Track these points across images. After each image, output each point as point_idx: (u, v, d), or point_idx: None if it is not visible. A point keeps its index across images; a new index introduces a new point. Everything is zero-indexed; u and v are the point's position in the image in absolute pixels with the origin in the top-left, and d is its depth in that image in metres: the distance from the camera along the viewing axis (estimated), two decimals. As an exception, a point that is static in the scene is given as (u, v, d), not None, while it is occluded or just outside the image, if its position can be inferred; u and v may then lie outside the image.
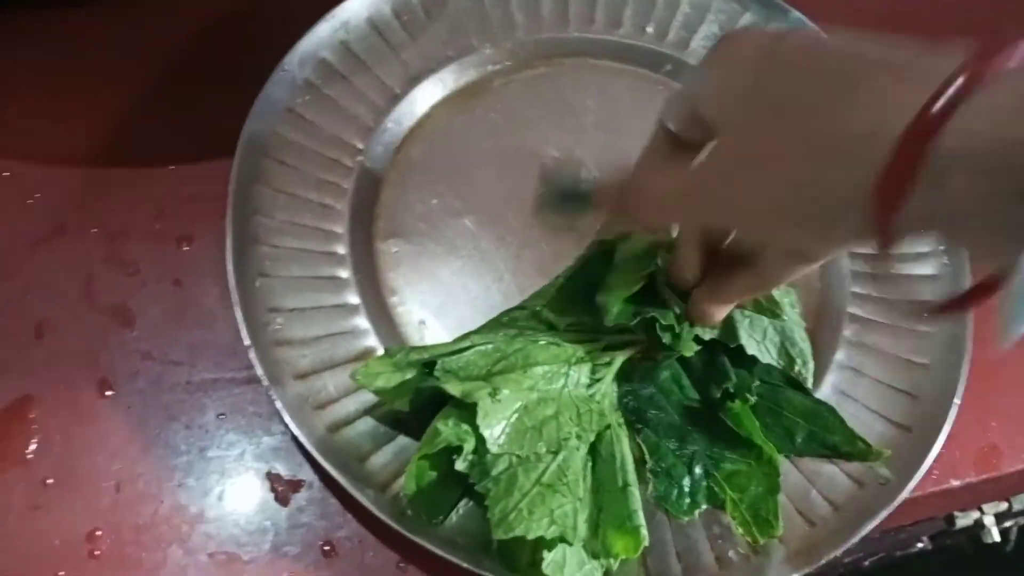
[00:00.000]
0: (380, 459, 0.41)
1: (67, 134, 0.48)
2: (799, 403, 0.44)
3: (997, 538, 0.70)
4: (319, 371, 0.42)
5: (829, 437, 0.43)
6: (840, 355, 0.47)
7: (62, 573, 0.39)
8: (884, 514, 0.42)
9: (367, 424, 0.41)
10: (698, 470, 0.42)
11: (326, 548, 0.41)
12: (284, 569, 0.40)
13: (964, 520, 0.68)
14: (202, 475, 0.42)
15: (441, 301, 0.46)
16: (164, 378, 0.43)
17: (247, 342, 0.41)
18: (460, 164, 0.49)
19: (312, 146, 0.46)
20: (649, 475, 0.42)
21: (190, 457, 0.42)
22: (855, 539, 0.42)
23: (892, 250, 0.27)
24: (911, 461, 0.44)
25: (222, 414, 0.43)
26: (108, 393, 0.43)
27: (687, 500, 0.42)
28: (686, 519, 0.41)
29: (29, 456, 0.41)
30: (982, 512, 0.67)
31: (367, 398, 0.41)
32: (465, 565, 0.38)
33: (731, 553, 0.41)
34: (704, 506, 0.42)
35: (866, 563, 1.06)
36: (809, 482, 0.43)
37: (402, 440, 0.41)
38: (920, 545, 0.98)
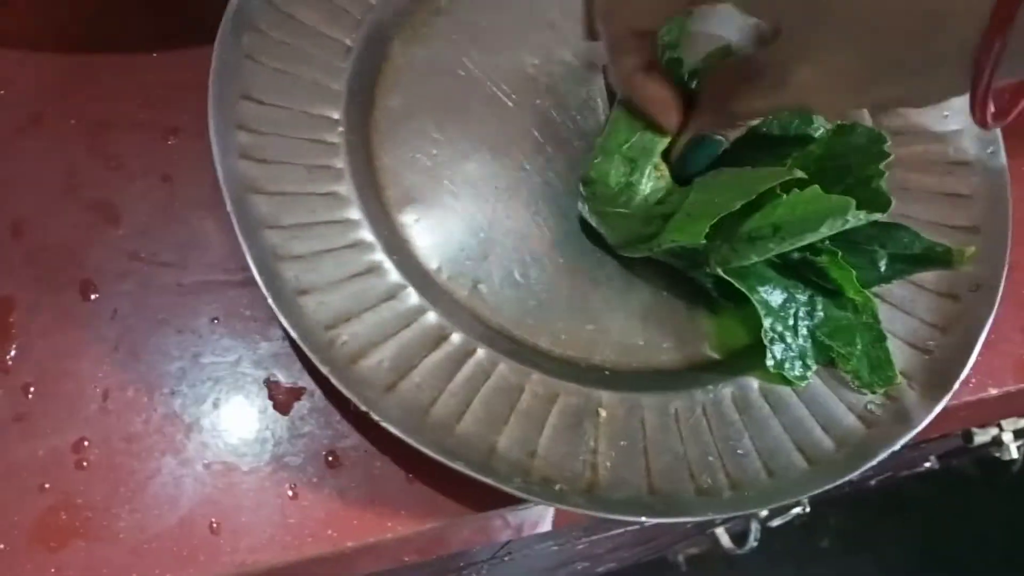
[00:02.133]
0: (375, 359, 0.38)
1: (42, 19, 0.44)
2: (870, 229, 0.41)
3: (1015, 455, 0.69)
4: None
5: (909, 252, 0.41)
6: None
7: (48, 484, 0.37)
8: (992, 317, 0.43)
9: (364, 325, 0.38)
10: (803, 331, 0.41)
11: (330, 459, 0.38)
12: (286, 480, 0.38)
13: (982, 436, 0.67)
14: (196, 382, 0.39)
15: (484, 250, 0.42)
16: (153, 280, 0.40)
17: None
18: (446, 101, 0.45)
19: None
20: (767, 342, 0.40)
21: (183, 363, 0.39)
22: (976, 352, 0.42)
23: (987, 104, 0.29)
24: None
25: (216, 318, 0.40)
26: (93, 296, 0.40)
27: (799, 363, 0.40)
28: (803, 384, 0.40)
29: (9, 362, 0.38)
30: (1001, 429, 0.66)
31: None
32: (473, 474, 0.36)
33: (871, 407, 0.41)
34: (814, 367, 0.41)
35: (872, 482, 1.06)
36: (908, 313, 0.43)
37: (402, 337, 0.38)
38: (927, 465, 0.97)
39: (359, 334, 0.38)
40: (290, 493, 0.38)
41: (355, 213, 0.40)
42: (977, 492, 1.43)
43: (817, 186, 0.36)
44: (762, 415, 0.40)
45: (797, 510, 1.03)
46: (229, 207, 0.37)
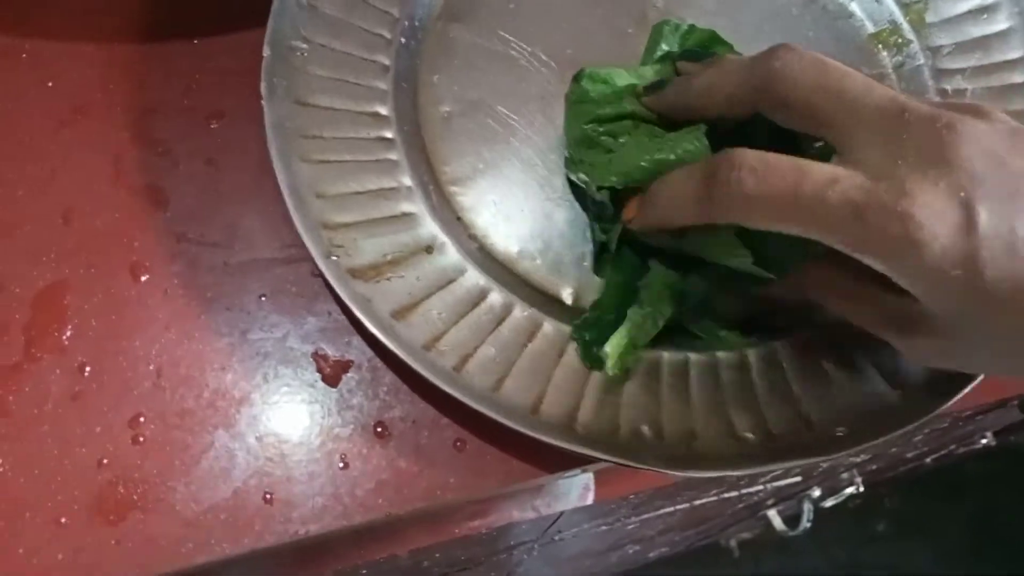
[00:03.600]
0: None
1: (85, 11, 0.45)
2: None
3: (1074, 426, 0.67)
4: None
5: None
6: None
7: (105, 460, 0.37)
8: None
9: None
10: None
11: (378, 429, 0.39)
12: (336, 451, 0.38)
13: (1042, 404, 0.66)
14: (246, 358, 0.40)
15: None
16: (201, 260, 0.41)
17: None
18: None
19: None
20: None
21: (232, 340, 0.40)
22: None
23: None
24: None
25: (263, 295, 0.41)
26: (143, 277, 0.41)
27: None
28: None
29: (65, 342, 0.39)
30: (1060, 396, 0.64)
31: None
32: (524, 430, 0.36)
33: None
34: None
35: (928, 460, 1.05)
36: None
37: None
38: (984, 441, 0.96)
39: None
40: (340, 464, 0.38)
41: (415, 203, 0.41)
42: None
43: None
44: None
45: (851, 490, 1.02)
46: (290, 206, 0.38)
